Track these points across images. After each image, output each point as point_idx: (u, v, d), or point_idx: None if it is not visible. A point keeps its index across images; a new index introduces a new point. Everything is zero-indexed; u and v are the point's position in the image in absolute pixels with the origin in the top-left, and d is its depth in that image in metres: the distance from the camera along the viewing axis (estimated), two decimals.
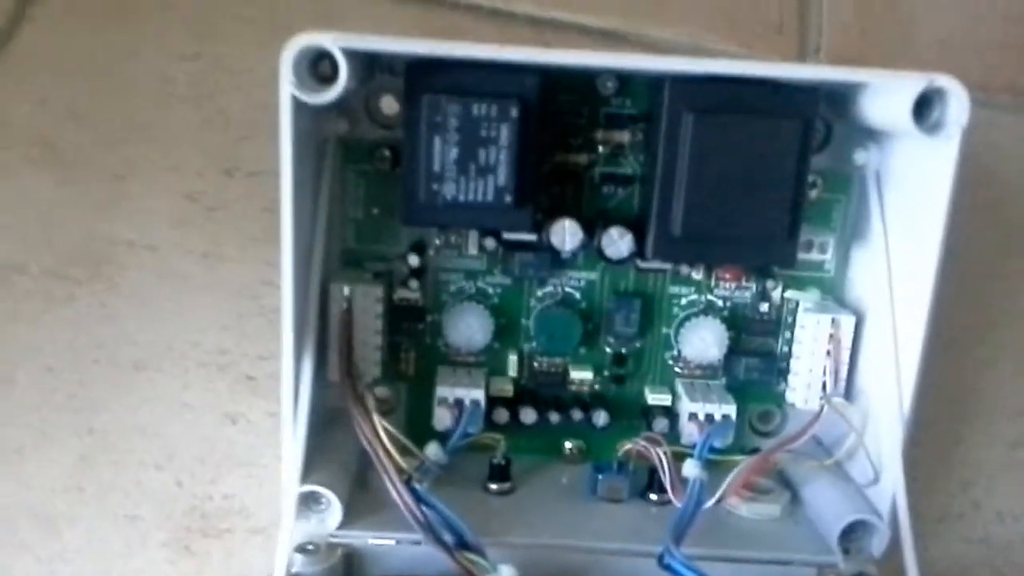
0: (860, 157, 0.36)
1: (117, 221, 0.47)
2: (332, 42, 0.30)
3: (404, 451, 0.35)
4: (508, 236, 0.37)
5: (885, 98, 0.33)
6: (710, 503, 0.34)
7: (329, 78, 0.31)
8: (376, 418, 0.34)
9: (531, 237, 0.36)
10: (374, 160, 0.37)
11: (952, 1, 0.55)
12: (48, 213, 0.47)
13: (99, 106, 0.49)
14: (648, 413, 0.39)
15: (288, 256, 0.33)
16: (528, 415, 0.39)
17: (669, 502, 0.36)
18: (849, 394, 0.37)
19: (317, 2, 0.52)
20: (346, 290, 0.36)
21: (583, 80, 0.36)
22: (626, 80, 0.36)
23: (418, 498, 0.33)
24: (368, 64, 0.34)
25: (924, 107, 0.31)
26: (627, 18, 0.53)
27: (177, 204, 0.47)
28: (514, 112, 0.32)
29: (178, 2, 0.51)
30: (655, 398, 0.39)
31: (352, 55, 0.31)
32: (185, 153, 0.48)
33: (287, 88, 0.31)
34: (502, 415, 0.39)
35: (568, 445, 0.40)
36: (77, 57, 0.50)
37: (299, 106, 0.31)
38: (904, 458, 0.34)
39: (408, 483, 0.33)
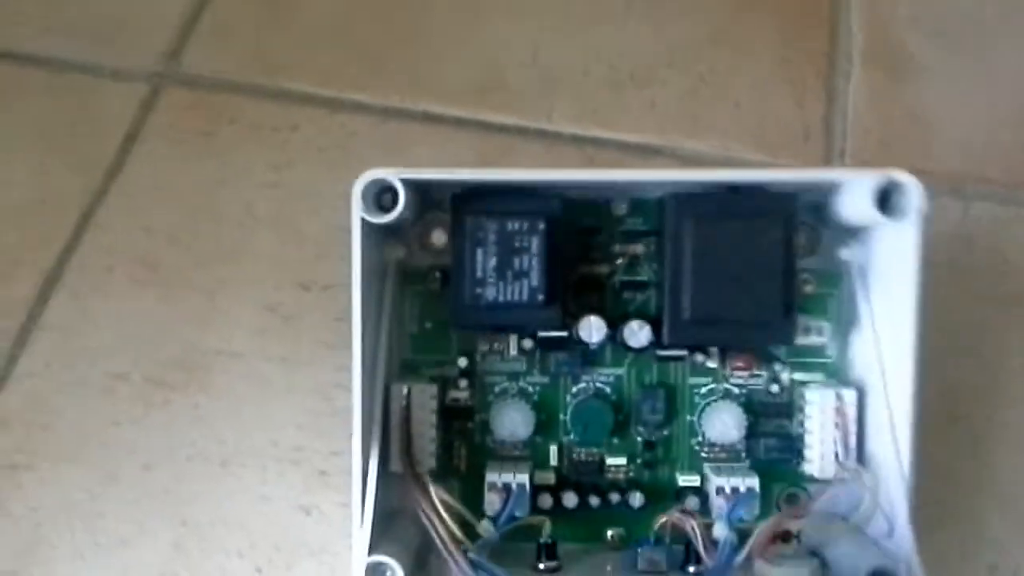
0: (844, 254, 0.41)
1: (208, 332, 0.53)
2: (394, 175, 0.37)
3: (461, 523, 0.39)
4: (542, 334, 0.41)
5: (854, 195, 0.38)
6: (740, 558, 0.38)
7: (389, 208, 0.38)
8: (432, 489, 0.39)
9: (562, 334, 0.41)
10: (426, 282, 0.43)
11: (971, 104, 0.59)
12: (149, 327, 0.53)
13: (193, 230, 0.56)
14: (680, 494, 0.42)
15: (357, 366, 0.38)
16: (570, 499, 0.42)
17: (705, 572, 0.39)
18: (861, 460, 0.40)
19: (384, 131, 0.59)
20: (404, 389, 0.41)
21: (600, 204, 0.42)
22: (636, 203, 0.42)
23: (474, 564, 0.37)
24: (420, 200, 0.41)
25: (888, 200, 0.37)
26: (663, 133, 0.59)
27: (259, 315, 0.53)
28: (542, 226, 0.38)
29: (261, 137, 0.58)
30: (685, 480, 0.42)
31: (409, 184, 0.38)
32: (266, 270, 0.54)
33: (357, 213, 0.37)
34: (546, 500, 0.42)
35: (610, 533, 0.43)
36: (175, 188, 0.57)
37: (367, 229, 0.38)
38: (912, 512, 0.37)
39: (464, 552, 0.38)
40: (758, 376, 0.42)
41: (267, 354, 0.52)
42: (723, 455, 0.42)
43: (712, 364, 0.42)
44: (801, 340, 0.41)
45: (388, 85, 0.60)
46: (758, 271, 0.38)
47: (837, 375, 0.42)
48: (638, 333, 0.40)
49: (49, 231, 0.56)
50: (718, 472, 0.41)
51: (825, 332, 0.42)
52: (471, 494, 0.43)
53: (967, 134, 0.58)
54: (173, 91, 0.60)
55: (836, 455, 0.40)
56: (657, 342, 0.40)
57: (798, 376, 0.42)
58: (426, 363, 0.43)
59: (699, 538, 0.39)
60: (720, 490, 0.40)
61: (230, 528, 0.48)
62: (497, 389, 0.43)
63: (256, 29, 0.62)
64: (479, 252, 0.39)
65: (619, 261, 0.42)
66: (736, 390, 0.42)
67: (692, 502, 0.42)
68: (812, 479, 0.41)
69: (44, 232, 0.56)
